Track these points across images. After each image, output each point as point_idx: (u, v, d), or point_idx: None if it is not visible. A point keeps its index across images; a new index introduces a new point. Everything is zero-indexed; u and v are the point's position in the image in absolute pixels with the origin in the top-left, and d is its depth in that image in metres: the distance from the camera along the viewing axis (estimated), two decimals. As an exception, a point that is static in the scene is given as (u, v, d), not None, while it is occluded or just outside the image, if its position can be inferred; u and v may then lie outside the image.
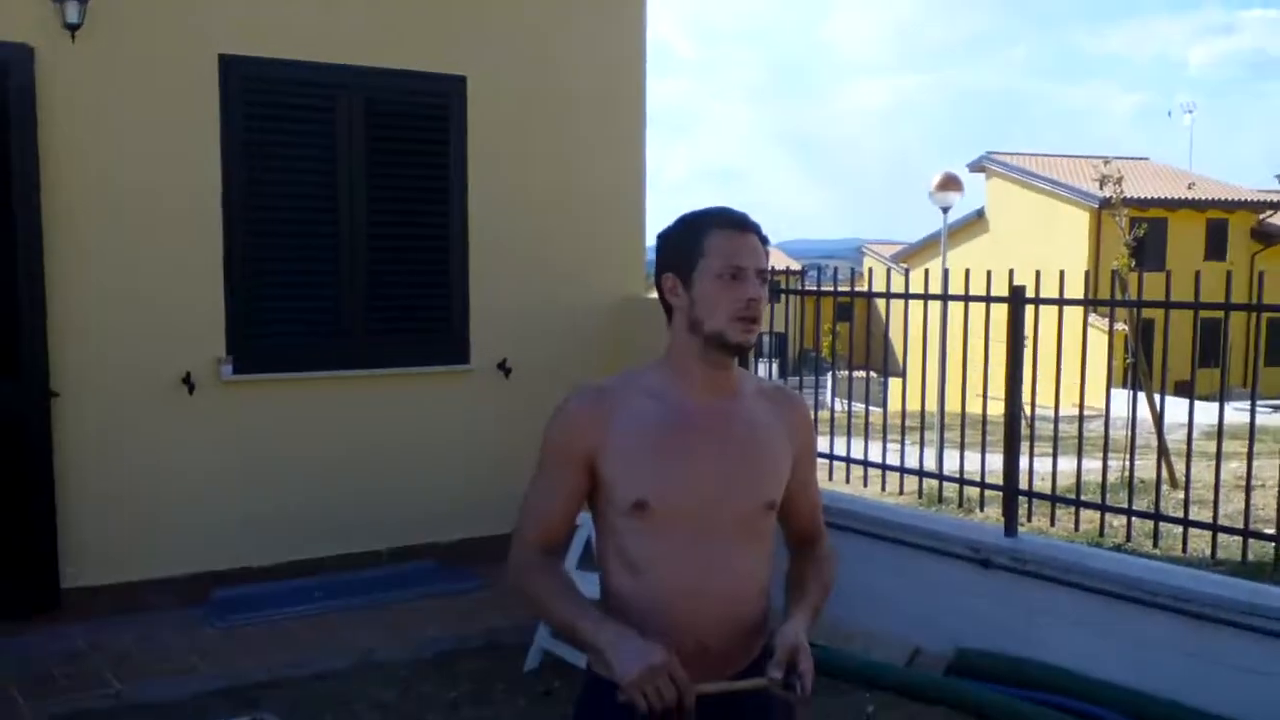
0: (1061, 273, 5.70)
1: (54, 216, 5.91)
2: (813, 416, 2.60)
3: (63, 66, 5.90)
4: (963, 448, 6.12)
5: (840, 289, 8.23)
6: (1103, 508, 5.83)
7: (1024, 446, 5.88)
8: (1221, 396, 5.50)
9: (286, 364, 6.63)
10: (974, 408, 6.34)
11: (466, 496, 7.13)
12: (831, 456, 6.78)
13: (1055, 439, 6.10)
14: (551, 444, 2.33)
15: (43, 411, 5.90)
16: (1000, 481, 5.88)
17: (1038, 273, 5.68)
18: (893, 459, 6.55)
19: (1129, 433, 6.13)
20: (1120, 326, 12.26)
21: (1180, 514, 5.56)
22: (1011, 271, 5.85)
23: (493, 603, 6.43)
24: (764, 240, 2.30)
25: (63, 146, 5.93)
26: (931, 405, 6.85)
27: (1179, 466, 9.93)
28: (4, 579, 5.88)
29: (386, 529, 6.95)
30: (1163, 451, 6.96)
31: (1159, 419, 9.45)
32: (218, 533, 6.45)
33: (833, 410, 7.05)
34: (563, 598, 2.26)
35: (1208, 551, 5.68)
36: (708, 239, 2.26)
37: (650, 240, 7.64)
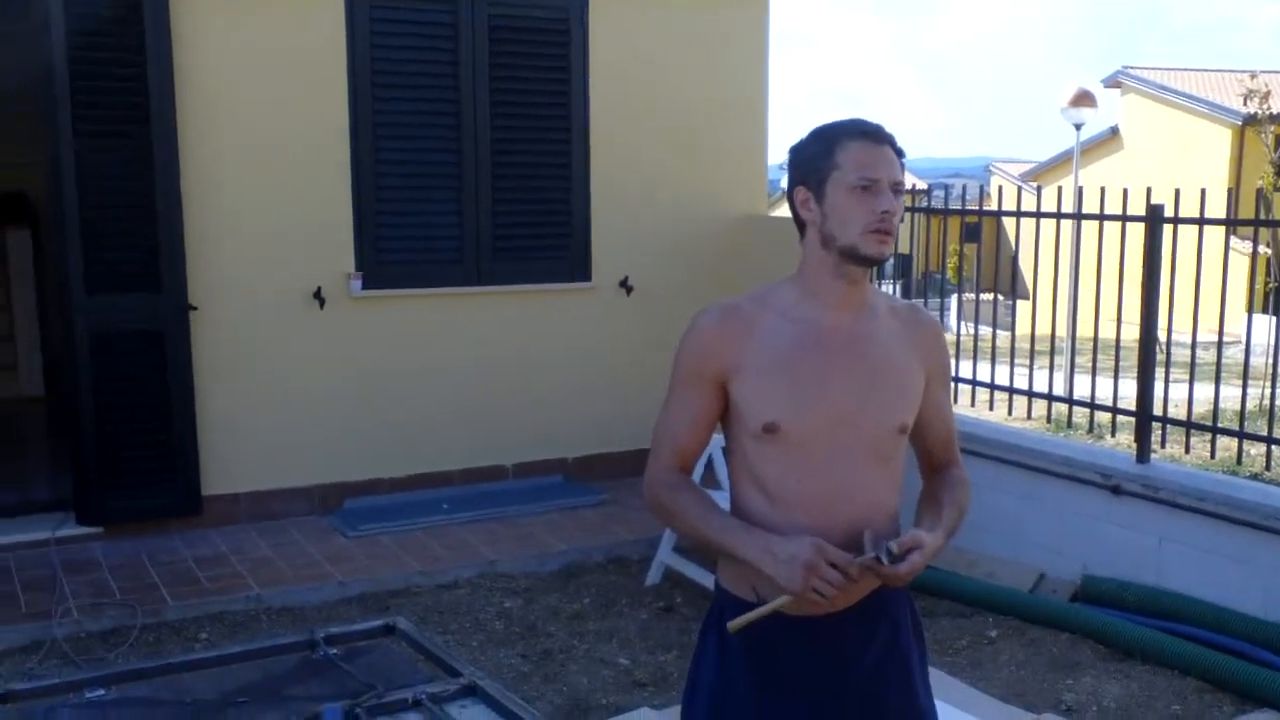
0: (1202, 191, 5.48)
1: (188, 135, 6.05)
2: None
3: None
4: (1094, 372, 5.96)
5: (968, 208, 8.05)
6: (1241, 435, 5.63)
7: (1158, 371, 5.71)
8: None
9: (414, 280, 6.75)
10: (1106, 332, 6.16)
11: (589, 413, 7.21)
12: (958, 380, 6.66)
13: (1192, 364, 5.91)
14: (682, 364, 2.31)
15: (182, 323, 6.11)
16: (1133, 407, 5.73)
17: (1176, 191, 5.47)
18: (1020, 383, 6.42)
19: (1270, 359, 5.91)
20: (1263, 249, 11.80)
21: (1323, 443, 5.36)
22: (1149, 190, 5.64)
23: (616, 517, 6.53)
24: (899, 153, 2.23)
25: (193, 67, 6.05)
26: (1062, 329, 6.68)
27: (1321, 394, 9.60)
28: (150, 485, 6.14)
29: (512, 444, 7.07)
30: (1306, 379, 6.70)
31: (1302, 345, 9.11)
32: (348, 444, 6.63)
33: (958, 333, 6.92)
34: (705, 513, 2.27)
35: (1351, 482, 5.48)
36: (840, 150, 2.20)
37: (772, 159, 7.52)
